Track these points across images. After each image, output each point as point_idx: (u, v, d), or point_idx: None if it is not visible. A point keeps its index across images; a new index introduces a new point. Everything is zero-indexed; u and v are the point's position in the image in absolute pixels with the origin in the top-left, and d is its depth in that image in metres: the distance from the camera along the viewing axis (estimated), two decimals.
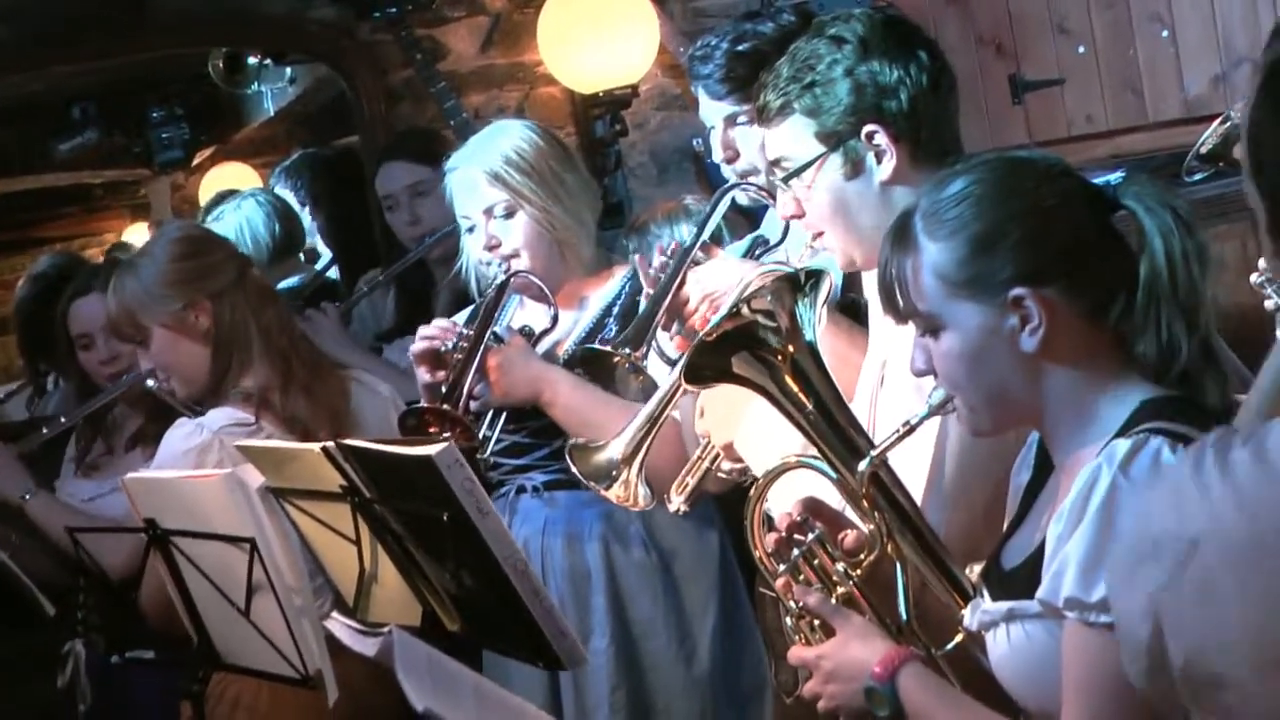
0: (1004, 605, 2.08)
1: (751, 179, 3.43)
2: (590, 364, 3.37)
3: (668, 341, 3.17)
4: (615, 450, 3.03)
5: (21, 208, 7.23)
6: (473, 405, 3.55)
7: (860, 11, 2.79)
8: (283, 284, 4.82)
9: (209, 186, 6.95)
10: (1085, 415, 2.08)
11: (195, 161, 7.03)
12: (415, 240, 4.69)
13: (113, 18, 5.04)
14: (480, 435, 3.61)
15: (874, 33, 2.68)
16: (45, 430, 4.18)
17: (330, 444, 2.83)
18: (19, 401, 5.32)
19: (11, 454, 4.08)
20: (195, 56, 6.11)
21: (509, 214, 3.67)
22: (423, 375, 3.59)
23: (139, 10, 5.02)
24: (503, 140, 3.72)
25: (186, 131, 6.60)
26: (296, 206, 5.50)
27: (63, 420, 4.14)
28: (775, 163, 2.77)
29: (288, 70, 6.31)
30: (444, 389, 3.51)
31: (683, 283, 3.15)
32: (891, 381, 2.66)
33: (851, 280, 2.96)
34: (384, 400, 3.85)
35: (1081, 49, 5.32)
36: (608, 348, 3.24)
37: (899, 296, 2.15)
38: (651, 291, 3.24)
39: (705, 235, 3.26)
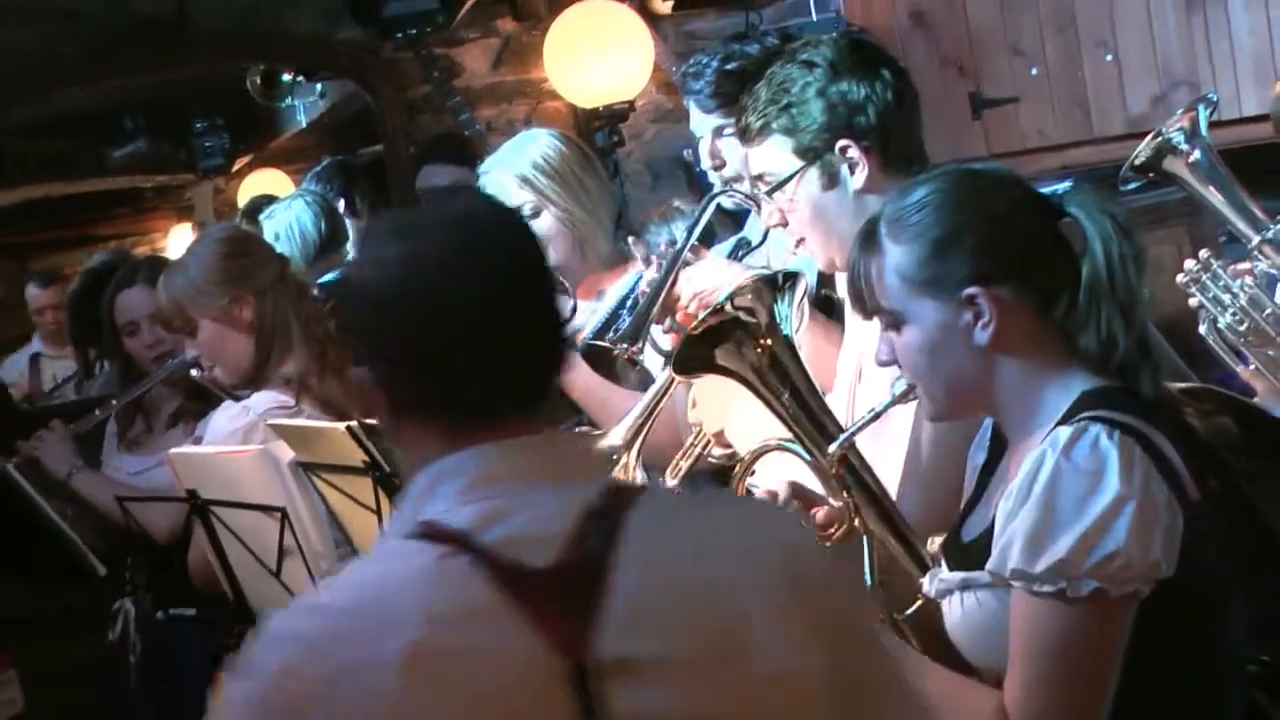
0: (958, 575, 2.08)
1: (736, 185, 3.43)
2: (594, 358, 3.37)
3: (662, 336, 3.17)
4: (615, 438, 3.03)
5: (79, 208, 7.22)
6: None
7: (828, 37, 2.79)
8: (325, 277, 4.81)
9: (247, 190, 6.96)
10: (1033, 403, 2.07)
11: (235, 168, 7.02)
12: None
13: (160, 37, 5.04)
14: None
15: (842, 56, 2.68)
16: (98, 412, 4.18)
17: (354, 423, 2.83)
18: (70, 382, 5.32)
19: (67, 433, 4.08)
20: (235, 73, 6.11)
21: (535, 214, 3.68)
22: None
23: (183, 30, 5.01)
24: (531, 147, 3.73)
25: (227, 141, 6.59)
26: None
27: (114, 402, 4.13)
28: (758, 178, 2.77)
29: (318, 86, 6.30)
30: None
31: (675, 282, 3.14)
32: (868, 374, 2.65)
33: (828, 279, 2.96)
34: None
35: (1035, 70, 5.31)
36: (607, 343, 3.23)
37: (866, 294, 2.15)
38: (647, 291, 3.23)
39: (694, 238, 3.25)
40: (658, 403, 3.00)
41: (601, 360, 3.32)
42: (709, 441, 3.02)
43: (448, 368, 1.62)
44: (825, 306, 2.97)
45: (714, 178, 3.57)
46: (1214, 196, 3.27)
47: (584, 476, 1.67)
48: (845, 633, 1.61)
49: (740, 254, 3.34)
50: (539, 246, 1.70)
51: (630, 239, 3.50)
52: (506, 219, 1.76)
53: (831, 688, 1.56)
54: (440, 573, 1.54)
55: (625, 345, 3.17)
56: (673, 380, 2.91)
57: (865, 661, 1.64)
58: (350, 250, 5.30)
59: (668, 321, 3.13)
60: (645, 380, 3.16)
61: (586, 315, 3.68)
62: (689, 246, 3.20)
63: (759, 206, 2.94)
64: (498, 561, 1.54)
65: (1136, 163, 3.30)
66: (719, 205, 3.43)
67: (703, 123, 3.54)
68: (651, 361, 3.21)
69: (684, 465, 3.02)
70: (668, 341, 3.15)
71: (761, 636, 1.54)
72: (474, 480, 1.60)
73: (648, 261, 3.26)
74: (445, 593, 1.53)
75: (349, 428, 2.84)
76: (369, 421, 2.83)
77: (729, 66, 3.47)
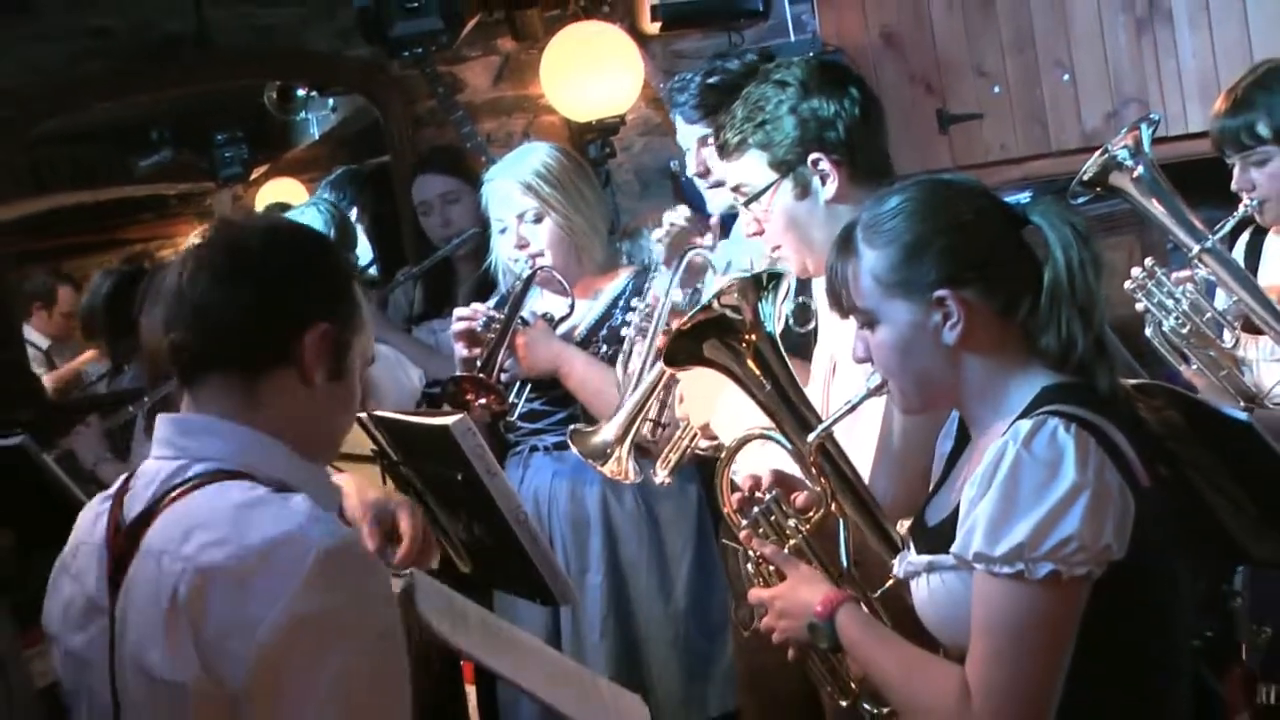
0: (925, 558, 2.09)
1: (704, 246, 3.44)
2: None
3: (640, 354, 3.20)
4: (608, 434, 3.04)
5: (107, 214, 7.20)
6: (503, 376, 3.57)
7: (799, 59, 2.81)
8: None
9: (264, 198, 6.93)
10: (996, 397, 2.08)
11: (252, 176, 6.98)
12: (445, 240, 4.68)
13: (183, 55, 5.03)
14: (509, 401, 3.64)
15: (812, 75, 2.69)
16: (130, 408, 4.18)
17: (364, 415, 2.82)
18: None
19: (100, 427, 4.08)
20: (253, 88, 6.08)
21: (537, 220, 3.70)
22: (460, 350, 3.61)
23: (205, 49, 5.01)
24: (534, 158, 3.74)
25: (245, 151, 6.55)
26: None
27: (145, 400, 4.11)
28: (736, 189, 2.78)
29: (330, 101, 6.27)
30: (479, 362, 3.54)
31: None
32: (841, 370, 2.66)
33: (803, 286, 2.96)
34: (390, 361, 3.85)
35: (997, 89, 5.31)
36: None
37: (842, 295, 2.16)
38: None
39: (672, 287, 3.29)
40: (646, 400, 3.02)
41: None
42: (695, 434, 3.03)
43: None
44: (803, 312, 2.97)
45: (700, 184, 3.58)
46: (1156, 209, 3.27)
47: None
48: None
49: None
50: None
51: (625, 240, 3.52)
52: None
53: None
54: None
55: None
56: (661, 378, 2.92)
57: None
58: (360, 254, 5.31)
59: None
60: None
61: (583, 312, 3.70)
62: (668, 307, 3.24)
63: (741, 224, 2.96)
64: None
65: (1084, 178, 3.30)
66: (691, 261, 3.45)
67: (688, 133, 3.55)
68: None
69: (673, 456, 3.03)
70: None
71: None
72: None
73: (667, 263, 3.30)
74: None
75: (360, 419, 2.83)
76: (378, 413, 2.83)
77: (711, 80, 3.49)
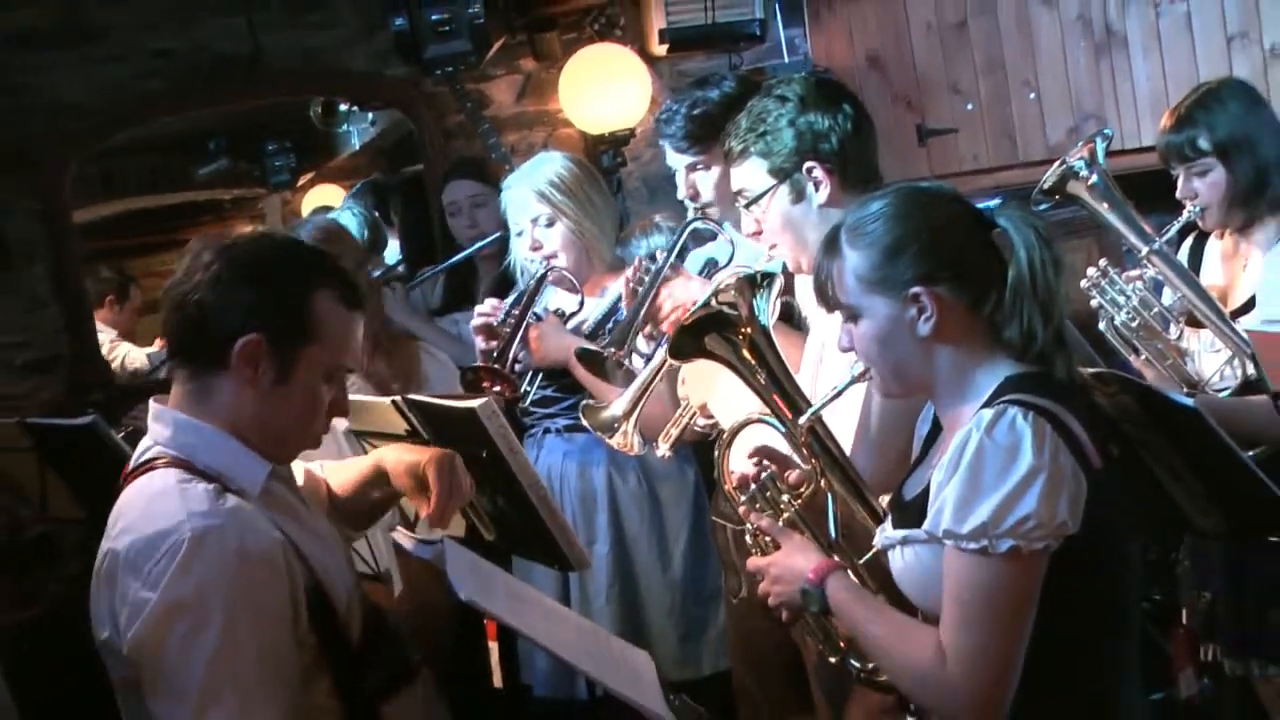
0: (900, 532, 2.08)
1: (708, 210, 3.43)
2: (587, 360, 3.36)
3: (642, 343, 3.18)
4: (617, 409, 3.03)
5: (169, 217, 7.23)
6: (517, 366, 3.56)
7: (799, 76, 2.79)
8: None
9: (309, 202, 6.96)
10: (964, 385, 2.07)
11: (299, 183, 7.01)
12: (470, 239, 4.68)
13: (237, 74, 5.03)
14: (522, 389, 3.63)
15: (810, 91, 2.68)
16: None
17: (398, 398, 2.83)
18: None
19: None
20: (300, 104, 6.10)
21: (550, 224, 3.68)
22: (479, 343, 3.60)
23: (257, 68, 5.01)
24: (547, 167, 3.72)
25: (293, 160, 6.57)
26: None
27: None
28: (738, 193, 2.77)
29: (369, 115, 6.28)
30: (496, 353, 3.53)
31: (657, 295, 3.15)
32: (829, 358, 2.65)
33: (789, 287, 2.95)
34: (444, 364, 3.87)
35: (970, 106, 5.30)
36: (598, 348, 3.23)
37: (828, 291, 2.15)
38: (632, 302, 3.24)
39: (673, 258, 3.25)
40: (652, 381, 3.01)
41: (593, 361, 3.31)
42: (695, 413, 3.02)
43: None
44: (786, 311, 2.97)
45: (689, 206, 3.57)
46: (1109, 214, 3.28)
47: None
48: None
49: (709, 271, 3.34)
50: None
51: (624, 244, 3.51)
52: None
53: None
54: None
55: (613, 349, 3.18)
56: (665, 363, 2.92)
57: None
58: (390, 254, 5.32)
59: (649, 328, 3.14)
60: (630, 378, 3.16)
61: (591, 308, 3.69)
62: (669, 265, 3.20)
63: (736, 225, 2.95)
64: None
65: (1045, 187, 3.30)
66: (694, 230, 3.43)
67: (676, 160, 3.53)
68: (636, 361, 3.22)
69: (674, 432, 3.03)
70: (649, 347, 3.17)
71: None
72: None
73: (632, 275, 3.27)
74: None
75: (394, 401, 2.83)
76: (410, 396, 2.83)
77: (695, 112, 3.44)
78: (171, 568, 1.97)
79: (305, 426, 2.22)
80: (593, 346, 3.27)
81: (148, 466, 2.13)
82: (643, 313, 3.14)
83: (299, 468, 2.47)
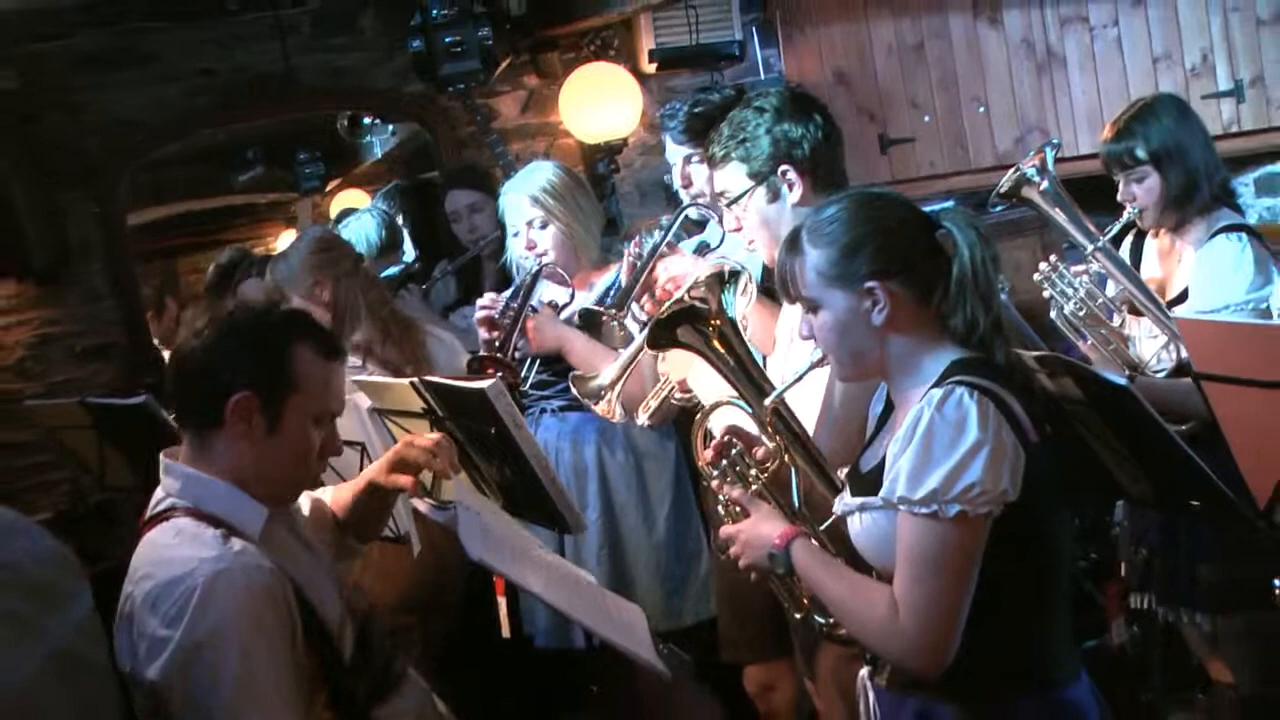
0: (858, 500, 2.08)
1: (700, 199, 3.43)
2: (588, 319, 3.38)
3: (638, 310, 3.18)
4: (604, 379, 3.03)
5: (209, 219, 7.23)
6: (516, 354, 3.56)
7: (775, 89, 2.79)
8: (386, 271, 4.81)
9: (337, 205, 6.95)
10: (914, 368, 2.08)
11: (328, 188, 7.00)
12: (471, 243, 4.68)
13: (273, 91, 5.03)
14: (521, 374, 3.63)
15: (785, 103, 2.68)
16: None
17: (416, 380, 2.84)
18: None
19: None
20: (329, 117, 6.09)
21: (543, 226, 3.67)
22: (482, 333, 3.59)
23: (291, 85, 5.00)
24: (540, 175, 3.72)
25: (322, 168, 6.56)
26: None
27: None
28: (720, 194, 2.77)
29: (390, 126, 6.27)
30: (497, 343, 3.53)
31: (654, 269, 3.15)
32: (794, 345, 2.65)
33: (769, 274, 2.95)
34: (450, 348, 3.86)
35: (927, 118, 5.30)
36: (601, 309, 3.24)
37: (790, 285, 2.15)
38: (631, 273, 3.24)
39: (670, 236, 3.25)
40: (633, 359, 3.02)
41: (593, 323, 3.35)
42: (674, 387, 3.03)
43: None
44: (770, 295, 2.97)
45: (684, 195, 3.57)
46: (1059, 216, 3.30)
47: None
48: None
49: (702, 252, 3.34)
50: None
51: (628, 240, 3.50)
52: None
53: None
54: None
55: (614, 311, 3.19)
56: (643, 348, 2.92)
57: None
58: (405, 253, 5.32)
59: (645, 296, 3.14)
60: (626, 340, 3.18)
61: (581, 300, 3.69)
62: (665, 243, 3.20)
63: (720, 217, 2.95)
64: None
65: (1000, 191, 3.31)
66: (687, 215, 3.43)
67: (675, 152, 3.53)
68: (631, 325, 3.23)
69: (653, 404, 3.03)
70: (644, 313, 3.17)
71: None
72: None
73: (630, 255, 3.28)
74: None
75: (413, 383, 2.84)
76: (428, 378, 2.84)
77: (696, 110, 3.46)
78: (189, 610, 2.00)
79: (301, 469, 2.26)
80: (596, 308, 3.29)
81: (163, 517, 2.17)
82: (641, 282, 3.14)
83: (306, 497, 2.52)
